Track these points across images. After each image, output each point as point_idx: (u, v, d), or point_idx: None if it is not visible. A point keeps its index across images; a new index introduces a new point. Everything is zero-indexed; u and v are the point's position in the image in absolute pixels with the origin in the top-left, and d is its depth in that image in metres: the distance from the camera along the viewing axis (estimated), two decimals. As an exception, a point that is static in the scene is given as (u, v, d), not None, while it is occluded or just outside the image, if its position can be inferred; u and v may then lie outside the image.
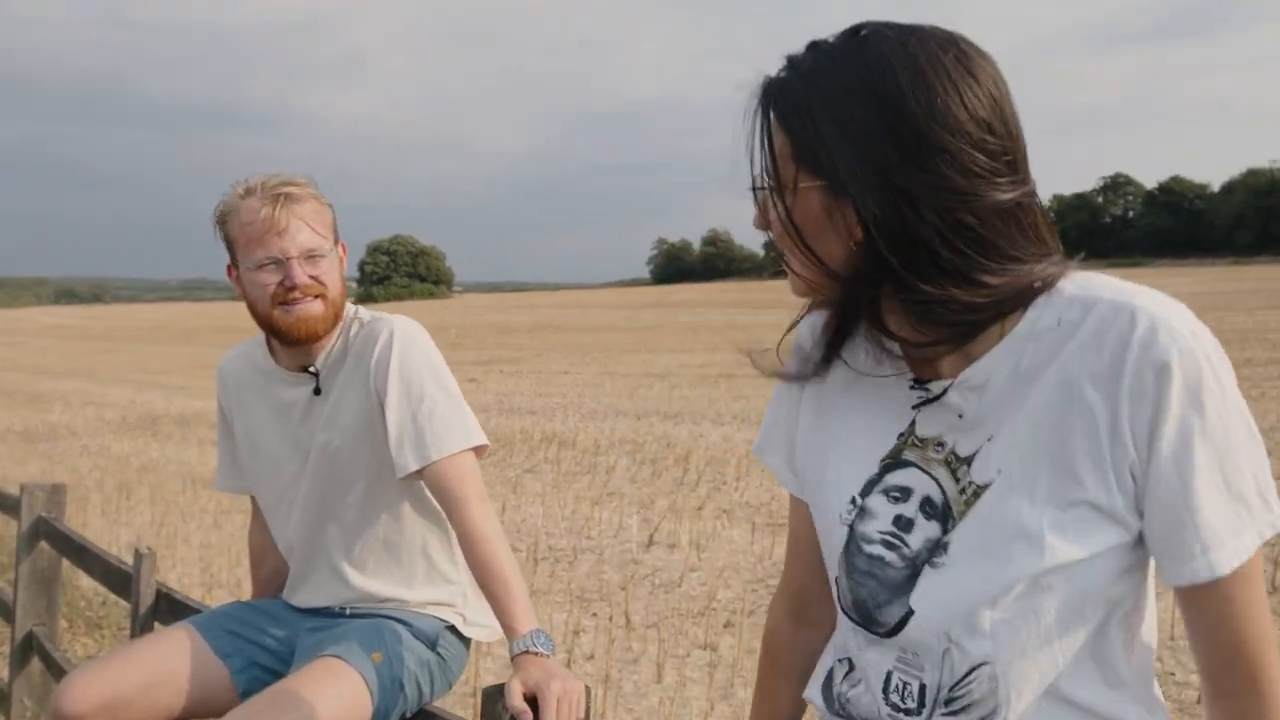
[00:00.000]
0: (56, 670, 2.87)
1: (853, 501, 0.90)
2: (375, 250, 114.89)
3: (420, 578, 1.74)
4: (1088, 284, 0.83)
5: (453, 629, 1.75)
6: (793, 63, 0.84)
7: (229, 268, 1.71)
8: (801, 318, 0.99)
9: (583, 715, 1.29)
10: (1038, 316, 0.82)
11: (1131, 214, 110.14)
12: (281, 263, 1.62)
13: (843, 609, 0.92)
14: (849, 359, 0.93)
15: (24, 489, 3.20)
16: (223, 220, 1.68)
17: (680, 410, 12.96)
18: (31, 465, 10.49)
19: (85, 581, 5.67)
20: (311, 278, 1.64)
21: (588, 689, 1.31)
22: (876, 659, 0.89)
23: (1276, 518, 0.78)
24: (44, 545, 3.16)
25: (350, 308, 1.76)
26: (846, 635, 0.94)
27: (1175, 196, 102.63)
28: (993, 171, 0.79)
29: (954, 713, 0.84)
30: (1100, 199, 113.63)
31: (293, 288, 1.62)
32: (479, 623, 1.76)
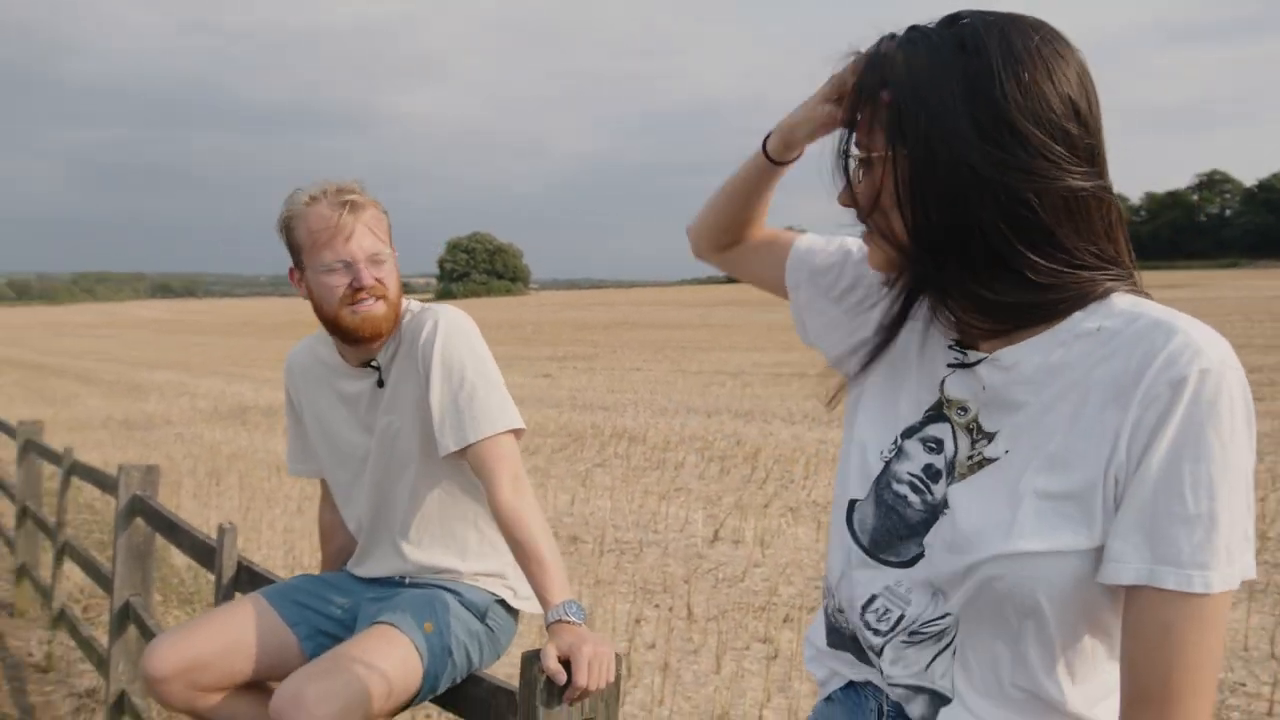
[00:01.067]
0: (150, 637, 3.08)
1: (895, 441, 0.97)
2: (454, 247, 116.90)
3: (473, 549, 1.85)
4: (1140, 302, 0.86)
5: (502, 602, 1.86)
6: (889, 39, 0.90)
7: (291, 270, 1.83)
8: None
9: (613, 678, 1.38)
10: (1084, 318, 0.86)
11: (1229, 212, 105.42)
12: (350, 266, 1.74)
13: (852, 534, 0.98)
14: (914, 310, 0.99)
15: (121, 470, 3.43)
16: (288, 226, 1.78)
17: (751, 408, 12.96)
18: (130, 451, 11.05)
19: (178, 559, 5.99)
20: (376, 280, 1.75)
21: (618, 655, 1.40)
22: (866, 580, 0.96)
23: (1235, 574, 0.78)
24: (139, 522, 3.39)
25: (402, 302, 1.86)
26: (844, 558, 0.99)
27: (1276, 194, 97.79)
28: (1068, 160, 0.82)
29: (914, 643, 0.92)
30: (1195, 197, 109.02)
31: (360, 289, 1.73)
32: (529, 595, 1.86)
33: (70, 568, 5.14)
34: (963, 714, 0.90)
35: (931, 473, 0.93)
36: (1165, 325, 0.82)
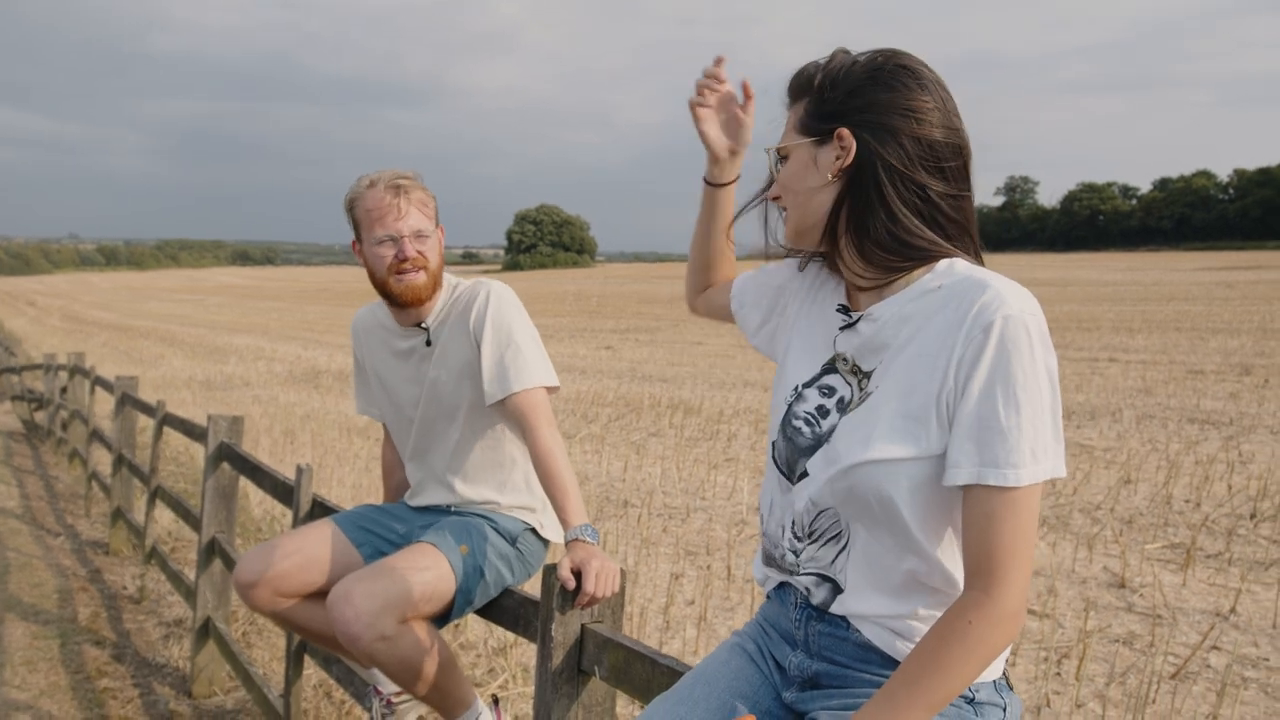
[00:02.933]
0: (233, 568, 3.44)
1: (795, 389, 1.23)
2: (522, 219, 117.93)
3: (509, 486, 2.14)
4: (973, 268, 1.12)
5: (533, 531, 2.15)
6: (814, 63, 1.19)
7: (354, 242, 2.14)
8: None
9: (617, 590, 1.63)
10: (930, 279, 1.13)
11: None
12: (396, 240, 2.04)
13: (775, 462, 1.24)
14: (817, 290, 1.27)
15: (211, 419, 3.80)
16: (351, 205, 2.10)
17: (807, 383, 13.04)
18: (211, 409, 11.66)
19: (255, 508, 6.44)
20: (419, 253, 2.05)
21: (623, 571, 1.65)
22: (787, 502, 1.22)
23: (1041, 471, 1.02)
24: (225, 466, 3.75)
25: (449, 278, 2.16)
26: (772, 486, 1.26)
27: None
28: (937, 173, 1.12)
29: (815, 537, 1.17)
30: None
31: (404, 260, 2.04)
32: (556, 527, 2.14)
33: (160, 511, 5.60)
34: (852, 601, 1.15)
35: (822, 411, 1.18)
36: (981, 282, 1.07)
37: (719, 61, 1.36)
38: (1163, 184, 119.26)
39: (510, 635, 3.86)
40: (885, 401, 1.10)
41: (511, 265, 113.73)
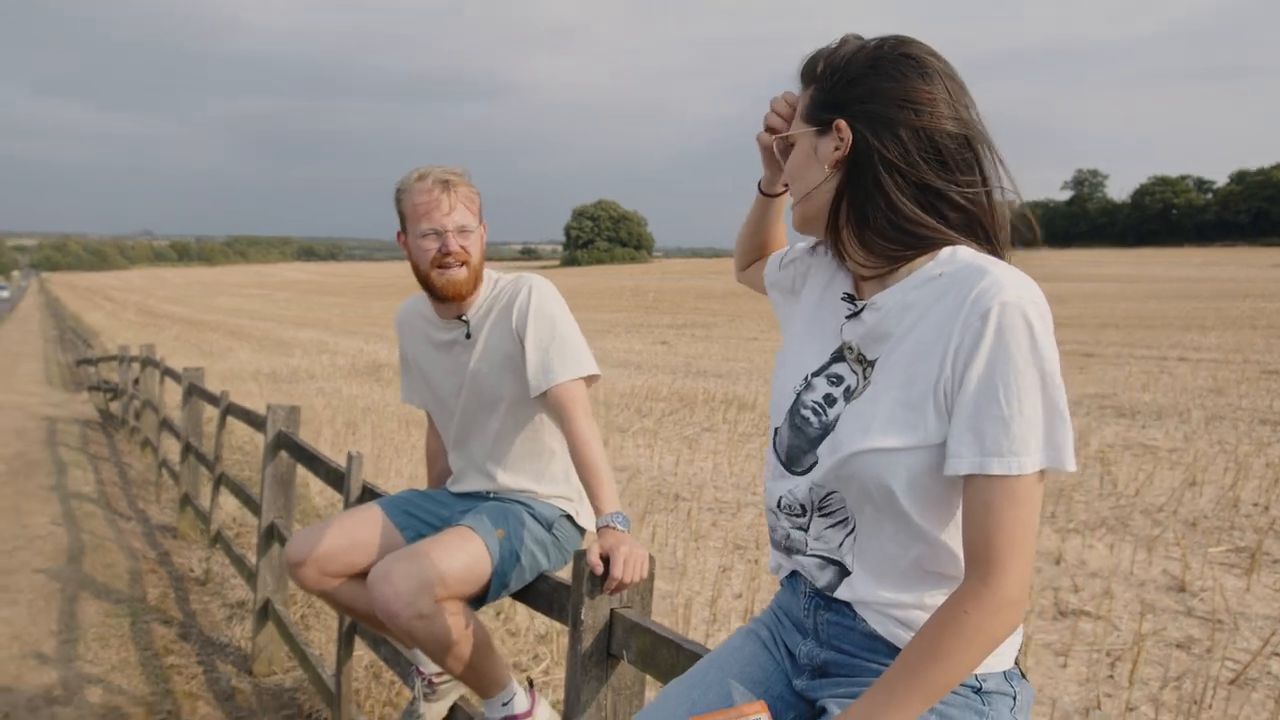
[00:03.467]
0: (290, 553, 3.57)
1: (805, 378, 1.23)
2: (580, 215, 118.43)
3: (547, 476, 2.19)
4: (978, 256, 1.11)
5: (569, 518, 2.19)
6: (826, 49, 1.19)
7: (399, 234, 2.19)
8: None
9: (645, 575, 1.66)
10: (932, 267, 1.12)
11: None
12: (440, 234, 2.09)
13: (775, 453, 1.25)
14: (831, 276, 1.28)
15: (269, 409, 3.93)
16: (399, 197, 2.15)
17: (863, 380, 12.91)
18: (276, 401, 11.99)
19: (316, 497, 6.63)
20: (461, 247, 2.10)
21: (651, 557, 1.68)
22: (777, 488, 1.23)
23: (1043, 460, 1.01)
24: (283, 454, 3.88)
25: (490, 273, 2.21)
26: (769, 473, 1.27)
27: None
28: (939, 165, 1.11)
29: (824, 515, 1.18)
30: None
31: (447, 254, 2.09)
32: (591, 516, 2.17)
33: (224, 497, 5.80)
34: (859, 586, 1.16)
35: (829, 400, 1.18)
36: (980, 269, 1.06)
37: (786, 98, 1.31)
38: (1240, 177, 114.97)
39: (555, 624, 3.92)
40: (886, 391, 1.11)
41: (569, 261, 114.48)
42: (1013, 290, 1.03)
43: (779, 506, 1.23)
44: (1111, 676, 3.75)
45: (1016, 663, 1.17)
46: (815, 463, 1.18)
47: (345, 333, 26.65)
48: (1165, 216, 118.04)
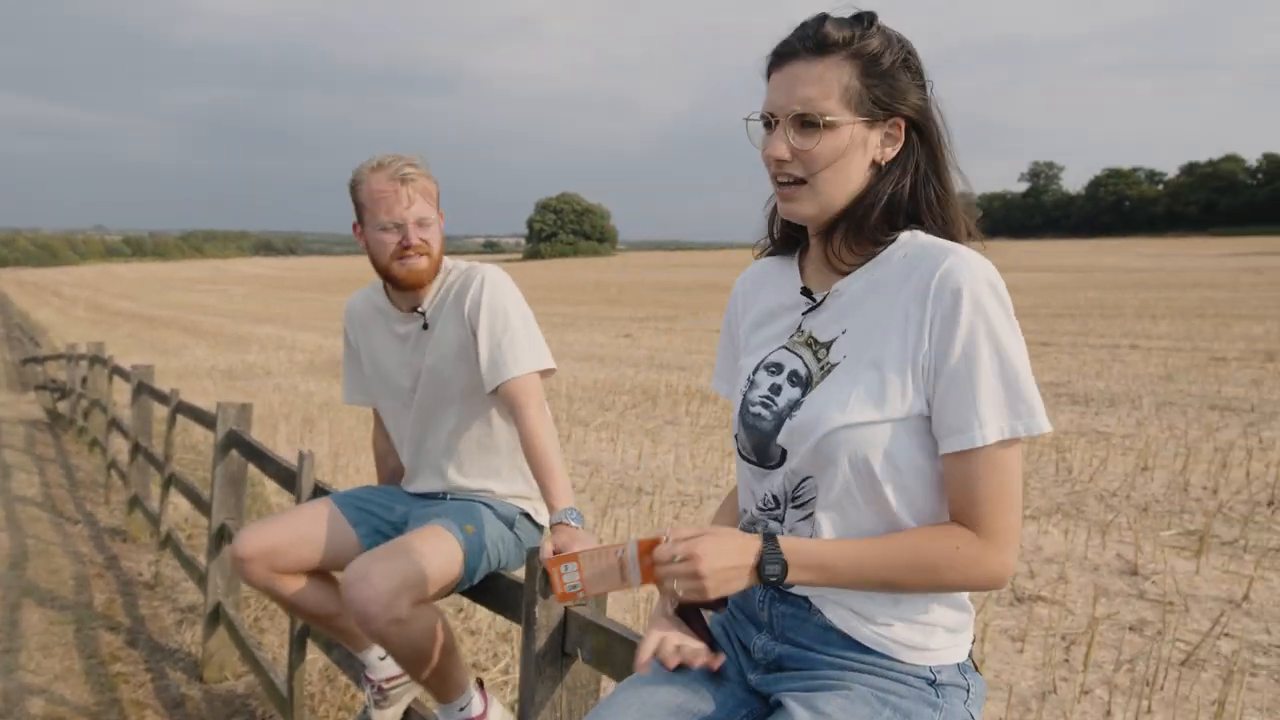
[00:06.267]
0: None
1: (748, 380, 1.23)
2: (543, 208, 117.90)
3: (505, 473, 2.15)
4: (935, 238, 1.13)
5: (528, 516, 2.16)
6: (854, 20, 1.15)
7: (355, 225, 2.14)
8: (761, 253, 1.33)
9: (598, 571, 1.63)
10: (894, 248, 1.14)
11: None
12: (400, 226, 2.04)
13: (743, 456, 1.24)
14: (754, 299, 1.29)
15: (219, 407, 3.84)
16: (355, 188, 2.09)
17: (824, 371, 12.98)
18: (231, 398, 11.69)
19: (271, 495, 6.51)
20: (422, 239, 2.05)
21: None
22: (761, 486, 1.21)
23: (1036, 423, 1.04)
24: (234, 453, 3.79)
25: (447, 261, 2.16)
26: (746, 478, 1.26)
27: None
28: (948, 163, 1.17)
29: (797, 507, 1.16)
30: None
31: (408, 247, 2.04)
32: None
33: (175, 498, 5.67)
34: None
35: (774, 389, 1.18)
36: (946, 249, 1.09)
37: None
38: (1190, 169, 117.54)
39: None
40: (855, 368, 1.11)
41: (532, 254, 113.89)
42: (980, 266, 1.07)
43: (762, 506, 1.21)
44: (1067, 660, 3.79)
45: (970, 656, 1.16)
46: (784, 452, 1.16)
47: (304, 328, 26.28)
48: (1119, 208, 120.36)
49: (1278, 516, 5.71)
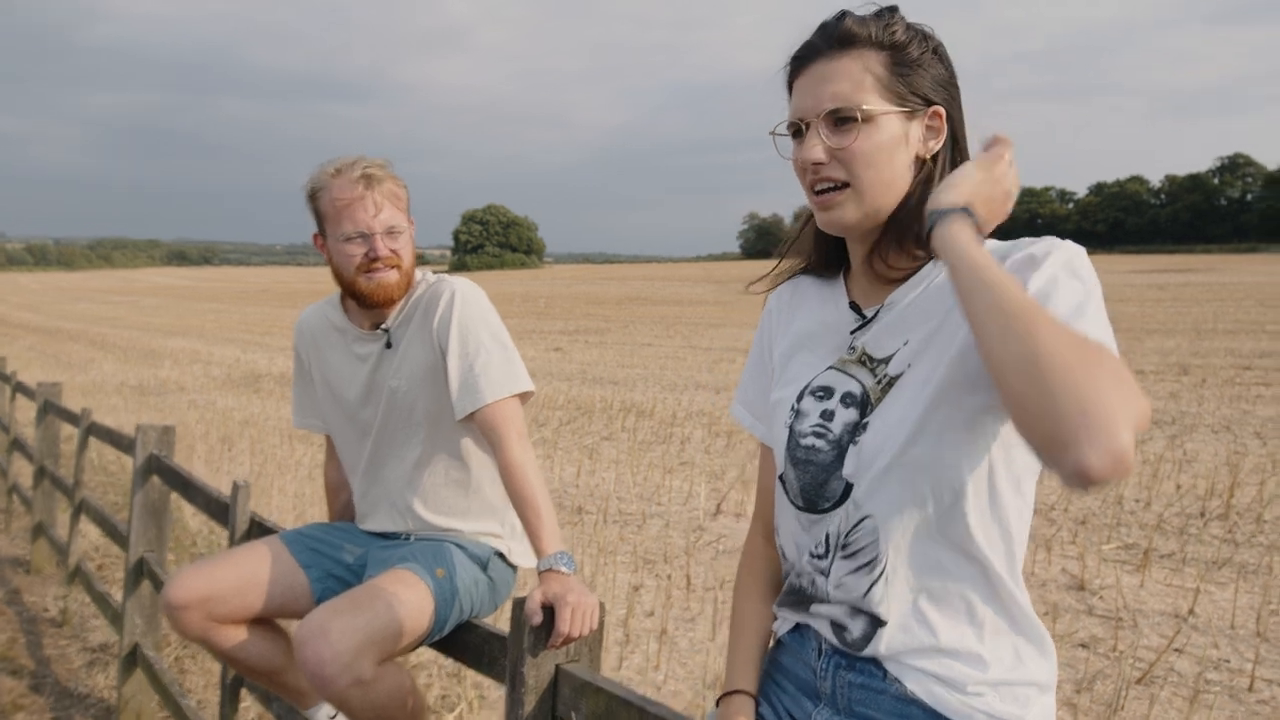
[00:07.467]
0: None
1: (791, 409, 1.09)
2: (469, 219, 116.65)
3: (474, 511, 1.94)
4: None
5: (501, 556, 1.95)
6: (878, 15, 1.05)
7: (316, 236, 1.93)
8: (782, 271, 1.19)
9: (595, 627, 1.46)
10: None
11: (1250, 196, 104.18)
12: (367, 236, 1.84)
13: (791, 501, 1.09)
14: (791, 317, 1.16)
15: (139, 429, 3.53)
16: (314, 195, 1.88)
17: (758, 385, 12.99)
18: (144, 416, 11.21)
19: (191, 520, 6.13)
20: (391, 251, 1.85)
21: (601, 605, 1.48)
22: (814, 533, 1.06)
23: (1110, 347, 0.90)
24: (155, 479, 3.50)
25: (414, 273, 1.95)
26: (790, 524, 1.11)
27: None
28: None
29: (848, 556, 1.02)
30: (1216, 180, 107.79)
31: (376, 259, 1.84)
32: (524, 552, 1.95)
33: (86, 526, 5.27)
34: (894, 638, 1.00)
35: (827, 415, 1.04)
36: (1016, 243, 0.99)
37: None
38: (1098, 189, 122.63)
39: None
40: (929, 380, 0.98)
41: (458, 266, 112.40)
42: (1069, 245, 0.96)
43: (815, 553, 1.06)
44: (1027, 683, 3.75)
45: None
46: (848, 487, 1.02)
47: (220, 341, 25.33)
48: (1031, 225, 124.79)
49: (1210, 529, 5.82)
